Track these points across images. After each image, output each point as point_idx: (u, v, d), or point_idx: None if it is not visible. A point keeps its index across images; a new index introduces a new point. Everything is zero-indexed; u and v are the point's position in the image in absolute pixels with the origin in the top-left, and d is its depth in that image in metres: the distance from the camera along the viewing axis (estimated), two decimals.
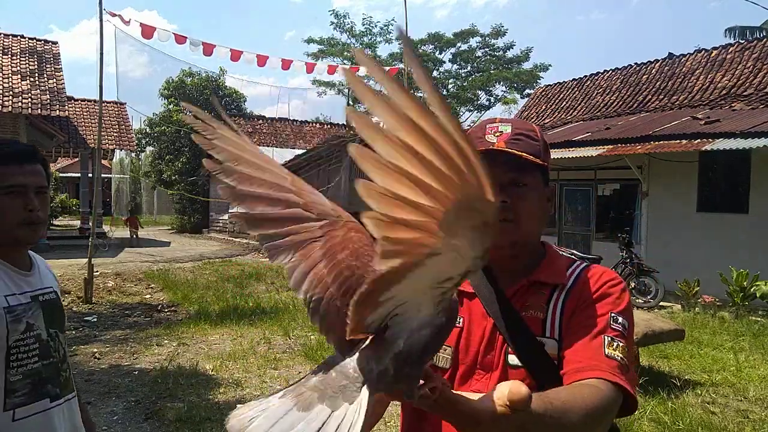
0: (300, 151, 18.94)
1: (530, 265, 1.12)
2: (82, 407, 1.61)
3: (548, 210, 1.15)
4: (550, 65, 40.90)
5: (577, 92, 16.13)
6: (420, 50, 36.25)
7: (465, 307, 1.12)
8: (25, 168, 1.38)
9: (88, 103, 19.43)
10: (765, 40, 12.74)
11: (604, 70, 15.87)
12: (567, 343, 1.01)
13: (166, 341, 6.19)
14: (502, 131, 1.10)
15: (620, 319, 1.04)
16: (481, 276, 1.11)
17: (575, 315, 1.04)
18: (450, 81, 38.24)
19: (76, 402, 1.55)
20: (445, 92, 38.27)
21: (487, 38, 36.61)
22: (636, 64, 14.98)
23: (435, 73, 38.14)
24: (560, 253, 1.17)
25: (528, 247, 1.12)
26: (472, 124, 32.38)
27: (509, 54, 36.69)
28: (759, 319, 7.44)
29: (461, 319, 1.12)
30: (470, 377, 1.09)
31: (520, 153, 1.06)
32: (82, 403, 1.63)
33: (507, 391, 0.70)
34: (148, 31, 10.58)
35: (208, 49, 11.62)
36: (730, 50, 12.92)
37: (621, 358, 0.98)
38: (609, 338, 1.00)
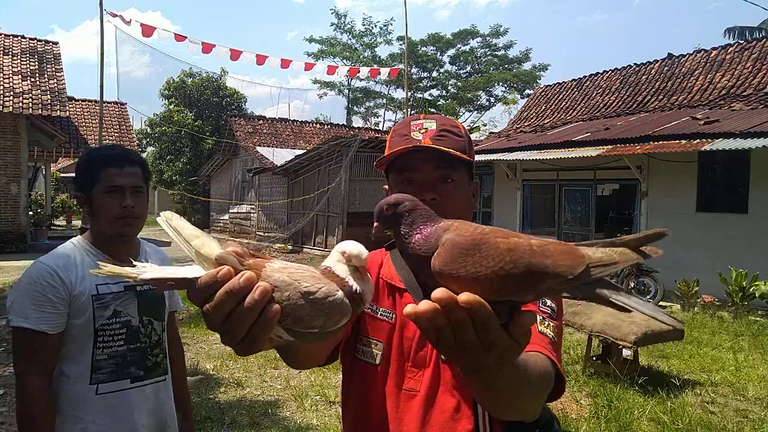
0: (300, 151, 18.94)
1: None
2: (180, 387, 1.82)
3: (473, 205, 1.17)
4: (549, 65, 40.97)
5: (576, 92, 16.14)
6: (420, 51, 36.28)
7: (397, 303, 1.13)
8: (125, 170, 1.59)
9: (89, 103, 19.44)
10: (764, 40, 12.75)
11: (604, 71, 15.89)
12: None
13: None
14: (427, 128, 1.11)
15: (548, 302, 1.07)
16: (409, 271, 1.11)
17: None
18: (450, 82, 38.24)
19: (167, 385, 1.72)
20: (444, 93, 38.31)
21: (486, 38, 36.62)
22: (635, 64, 14.99)
23: (435, 74, 38.17)
24: None
25: None
26: (471, 125, 32.33)
27: (510, 54, 36.70)
28: (758, 318, 7.45)
29: (393, 315, 1.12)
30: (403, 374, 1.09)
31: (447, 149, 1.06)
32: (181, 384, 1.84)
33: None
34: (148, 31, 10.60)
35: (206, 48, 11.64)
36: (729, 50, 12.93)
37: (552, 336, 1.01)
38: (540, 317, 1.03)
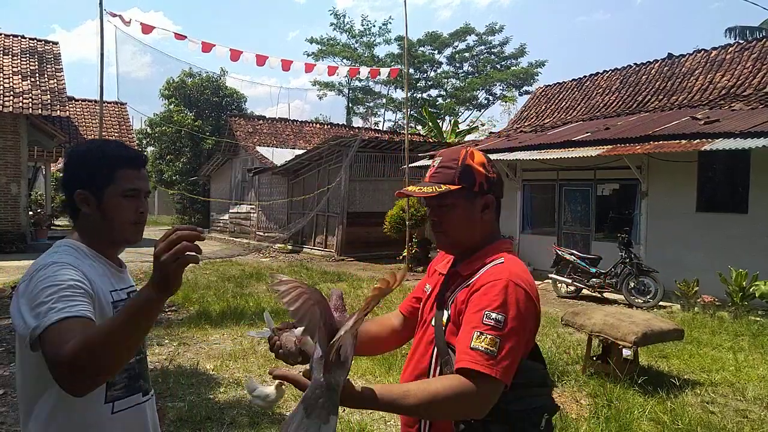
0: (300, 151, 18.94)
1: (461, 260, 1.46)
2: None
3: (481, 217, 1.43)
4: (546, 61, 40.96)
5: (576, 92, 16.14)
6: (418, 52, 36.29)
7: (434, 280, 1.55)
8: (141, 173, 1.50)
9: (89, 103, 19.45)
10: (764, 40, 12.74)
11: (604, 71, 15.89)
12: (460, 331, 1.30)
13: (166, 341, 6.20)
14: (434, 165, 1.46)
15: (494, 315, 1.25)
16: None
17: (467, 305, 1.32)
18: (448, 82, 38.25)
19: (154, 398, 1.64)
20: (443, 92, 38.31)
21: (483, 36, 36.63)
22: (635, 64, 15.00)
23: (432, 74, 38.19)
24: (507, 255, 1.41)
25: (462, 246, 1.45)
26: (471, 125, 32.20)
27: (506, 50, 36.70)
28: (758, 318, 7.45)
29: (429, 287, 1.55)
30: (419, 327, 1.53)
31: (422, 194, 1.42)
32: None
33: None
34: (147, 30, 10.60)
35: (206, 47, 11.64)
36: (729, 50, 12.93)
37: (485, 348, 1.21)
38: (478, 332, 1.24)
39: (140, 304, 1.09)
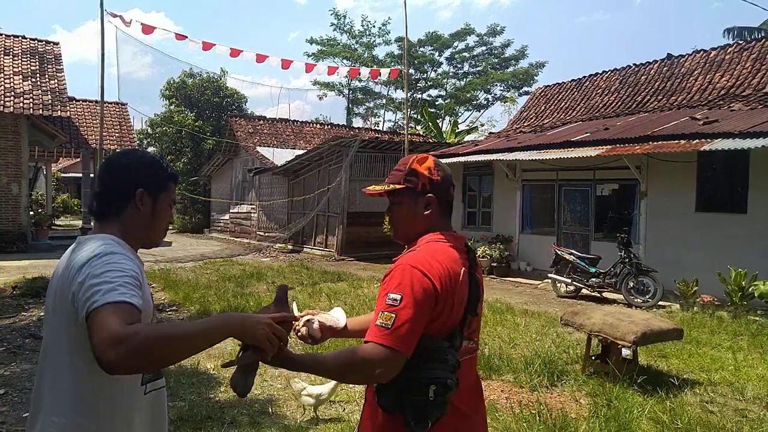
0: (300, 152, 18.96)
1: (407, 250, 1.64)
2: None
3: (422, 213, 1.64)
4: (546, 62, 40.96)
5: (576, 93, 16.16)
6: (418, 52, 36.30)
7: None
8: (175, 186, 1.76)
9: (90, 103, 19.46)
10: (764, 40, 12.76)
11: (603, 71, 15.91)
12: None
13: None
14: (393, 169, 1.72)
15: (392, 295, 1.46)
16: None
17: (381, 291, 1.53)
18: (448, 82, 38.25)
19: None
20: (443, 93, 38.30)
21: (483, 37, 36.63)
22: (635, 64, 15.01)
23: (433, 75, 38.19)
24: (424, 244, 1.60)
25: (407, 238, 1.68)
26: (470, 125, 32.21)
27: (507, 52, 36.71)
28: (757, 318, 7.46)
29: None
30: None
31: (371, 191, 1.72)
32: None
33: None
34: (148, 30, 10.61)
35: (206, 46, 11.65)
36: (728, 51, 12.94)
37: (383, 323, 1.43)
38: (381, 312, 1.46)
39: (221, 333, 1.27)
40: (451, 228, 1.69)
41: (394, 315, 1.42)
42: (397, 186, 1.64)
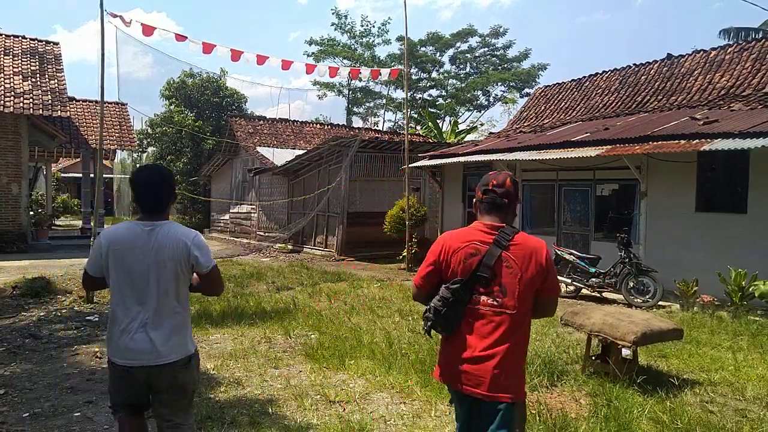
0: (300, 152, 18.96)
1: None
2: None
3: (475, 211, 2.57)
4: (548, 64, 40.94)
5: (576, 93, 16.16)
6: (420, 52, 36.30)
7: None
8: None
9: (90, 103, 19.46)
10: (763, 40, 12.76)
11: (603, 71, 15.90)
12: None
13: None
14: None
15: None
16: None
17: None
18: (449, 82, 38.25)
19: None
20: (444, 93, 38.30)
21: (486, 38, 36.64)
22: (635, 64, 15.01)
23: (434, 74, 38.19)
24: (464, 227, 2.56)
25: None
26: (470, 125, 32.22)
27: (509, 53, 36.73)
28: (757, 318, 7.46)
29: None
30: None
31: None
32: None
33: None
34: (148, 30, 10.60)
35: (207, 48, 11.64)
36: (728, 51, 12.94)
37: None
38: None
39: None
40: (494, 220, 2.41)
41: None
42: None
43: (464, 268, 2.32)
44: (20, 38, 16.63)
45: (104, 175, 15.85)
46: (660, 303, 8.69)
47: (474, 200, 2.48)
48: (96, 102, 18.91)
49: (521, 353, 2.36)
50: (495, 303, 2.29)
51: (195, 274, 2.72)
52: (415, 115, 34.11)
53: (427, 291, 2.42)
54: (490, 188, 2.39)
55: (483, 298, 2.30)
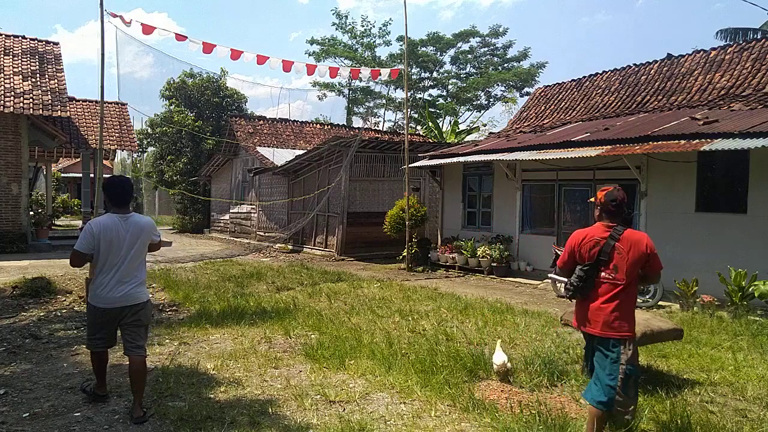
0: (300, 152, 18.96)
1: None
2: None
3: (596, 215, 3.73)
4: (546, 62, 40.88)
5: (576, 93, 16.16)
6: (420, 51, 36.30)
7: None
8: None
9: (90, 103, 19.46)
10: (763, 40, 12.75)
11: (603, 71, 15.90)
12: None
13: (167, 341, 6.22)
14: None
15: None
16: None
17: None
18: (450, 82, 38.25)
19: None
20: (445, 92, 38.29)
21: (486, 38, 36.65)
22: (635, 64, 15.01)
23: (435, 74, 38.19)
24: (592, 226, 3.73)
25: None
26: (471, 125, 32.20)
27: (509, 53, 36.74)
28: (757, 318, 7.46)
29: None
30: None
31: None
32: None
33: None
34: (148, 30, 10.60)
35: (207, 48, 11.63)
36: (728, 51, 12.94)
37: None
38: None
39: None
40: (612, 222, 3.51)
41: (560, 253, 3.68)
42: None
43: (590, 255, 3.48)
44: (20, 38, 16.63)
45: (104, 175, 15.87)
46: (660, 303, 8.69)
47: (595, 208, 3.63)
48: (96, 102, 18.92)
49: (628, 308, 3.43)
50: (611, 277, 3.42)
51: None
52: (416, 115, 34.13)
53: (568, 269, 3.59)
54: (603, 201, 3.54)
55: (603, 274, 3.45)
